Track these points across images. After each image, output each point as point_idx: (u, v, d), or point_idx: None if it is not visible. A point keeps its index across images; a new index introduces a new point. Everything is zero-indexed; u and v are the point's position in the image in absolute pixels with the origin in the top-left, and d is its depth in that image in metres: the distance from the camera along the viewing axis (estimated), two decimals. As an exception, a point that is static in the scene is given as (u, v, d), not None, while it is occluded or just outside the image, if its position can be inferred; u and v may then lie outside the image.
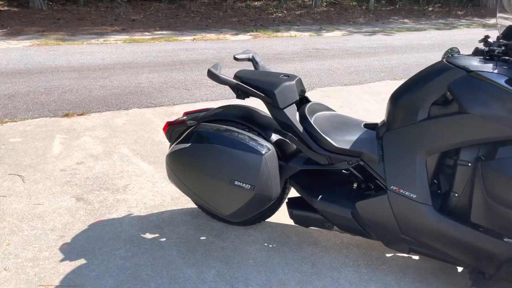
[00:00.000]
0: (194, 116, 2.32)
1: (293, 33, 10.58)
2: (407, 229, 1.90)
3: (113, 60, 6.69)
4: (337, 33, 11.04)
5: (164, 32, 10.04)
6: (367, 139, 2.00)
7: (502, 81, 1.65)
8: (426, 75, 1.85)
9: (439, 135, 1.77)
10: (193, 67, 6.33)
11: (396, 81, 5.95)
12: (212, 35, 9.65)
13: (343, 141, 2.00)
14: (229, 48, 8.08)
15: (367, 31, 11.45)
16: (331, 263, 2.15)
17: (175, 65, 6.49)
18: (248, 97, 2.11)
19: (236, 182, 1.88)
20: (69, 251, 2.19)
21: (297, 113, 2.11)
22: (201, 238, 2.32)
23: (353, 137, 2.02)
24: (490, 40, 1.78)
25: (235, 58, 2.28)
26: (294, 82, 2.10)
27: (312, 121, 2.05)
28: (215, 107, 2.39)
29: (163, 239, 2.31)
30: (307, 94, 2.30)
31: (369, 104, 4.81)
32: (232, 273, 2.07)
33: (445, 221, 1.80)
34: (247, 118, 2.19)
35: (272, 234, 2.37)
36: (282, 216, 2.47)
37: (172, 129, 2.34)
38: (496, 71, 1.68)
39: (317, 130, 2.01)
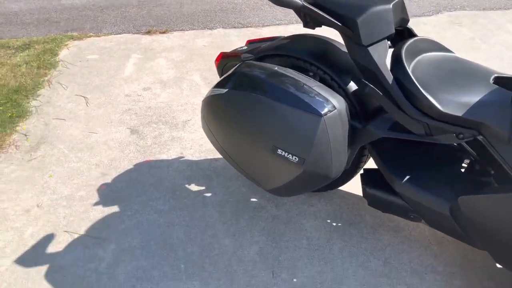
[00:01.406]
0: (254, 47, 1.78)
1: None
2: (538, 250, 1.23)
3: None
4: None
5: None
6: (494, 102, 1.29)
7: None
8: None
9: None
10: (298, -19, 5.53)
11: (559, 7, 4.49)
12: None
13: (455, 103, 1.31)
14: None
15: None
16: (412, 263, 1.59)
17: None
18: (320, 26, 1.48)
19: (279, 151, 1.36)
20: (105, 194, 1.96)
21: (389, 55, 1.44)
22: (252, 199, 1.91)
23: (472, 97, 1.32)
24: None
25: None
26: (390, 6, 1.41)
27: (410, 69, 1.38)
28: (283, 36, 1.81)
29: (208, 194, 1.95)
30: (416, 23, 1.57)
31: (512, 37, 3.67)
32: (277, 255, 1.65)
33: None
34: (319, 56, 1.58)
35: (340, 208, 1.85)
36: (358, 184, 1.90)
37: (225, 63, 1.84)
38: None
39: (414, 83, 1.34)
